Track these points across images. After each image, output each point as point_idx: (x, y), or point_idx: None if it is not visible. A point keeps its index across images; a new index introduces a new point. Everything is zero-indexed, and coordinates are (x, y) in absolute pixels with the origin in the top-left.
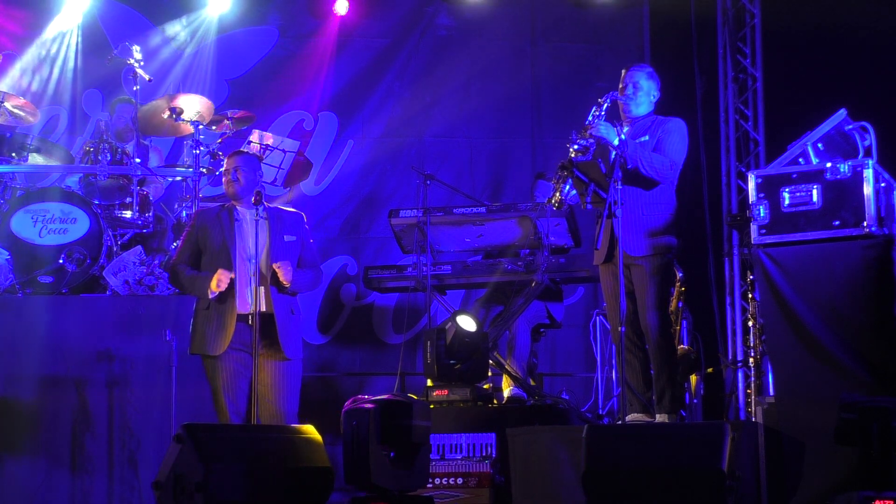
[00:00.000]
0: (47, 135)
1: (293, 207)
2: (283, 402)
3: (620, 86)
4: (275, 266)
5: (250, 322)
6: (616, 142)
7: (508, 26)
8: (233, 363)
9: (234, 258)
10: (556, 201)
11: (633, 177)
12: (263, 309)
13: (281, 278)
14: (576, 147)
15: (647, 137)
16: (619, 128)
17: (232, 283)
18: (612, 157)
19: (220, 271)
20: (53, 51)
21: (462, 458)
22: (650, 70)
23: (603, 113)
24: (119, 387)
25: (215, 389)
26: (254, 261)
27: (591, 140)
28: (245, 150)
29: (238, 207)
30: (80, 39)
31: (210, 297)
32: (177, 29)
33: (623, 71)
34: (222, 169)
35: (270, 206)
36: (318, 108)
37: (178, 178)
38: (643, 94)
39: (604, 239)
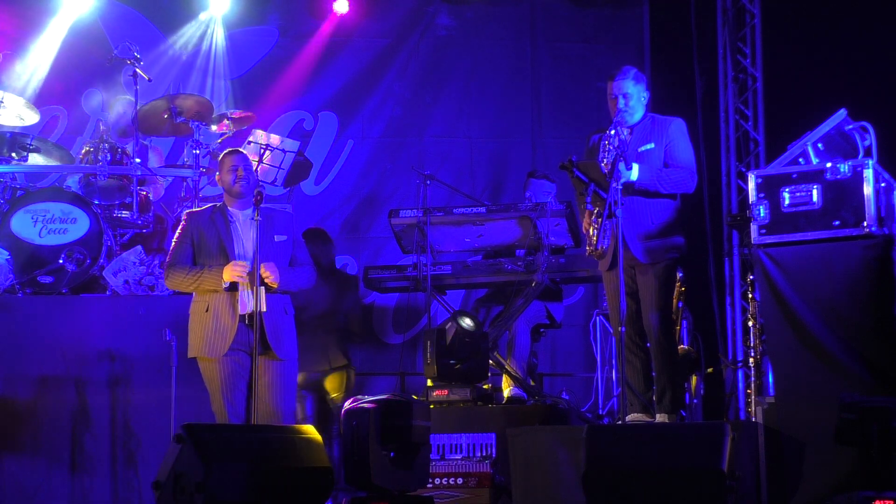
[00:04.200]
0: (47, 135)
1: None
2: (280, 402)
3: (611, 98)
4: (262, 269)
5: (247, 322)
6: (635, 178)
7: (508, 26)
8: (231, 364)
9: (233, 260)
10: (598, 254)
11: (652, 195)
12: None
13: (268, 281)
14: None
15: (652, 145)
16: (619, 128)
17: (231, 285)
18: (613, 156)
19: (233, 262)
20: (53, 51)
21: (462, 458)
22: (635, 72)
23: (612, 145)
24: (119, 387)
25: (213, 391)
26: (249, 262)
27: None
28: (241, 149)
29: (230, 208)
30: (80, 39)
31: (224, 287)
32: (177, 29)
33: (608, 82)
34: (225, 167)
35: (262, 206)
36: (318, 108)
37: (179, 178)
38: (635, 101)
39: (609, 246)
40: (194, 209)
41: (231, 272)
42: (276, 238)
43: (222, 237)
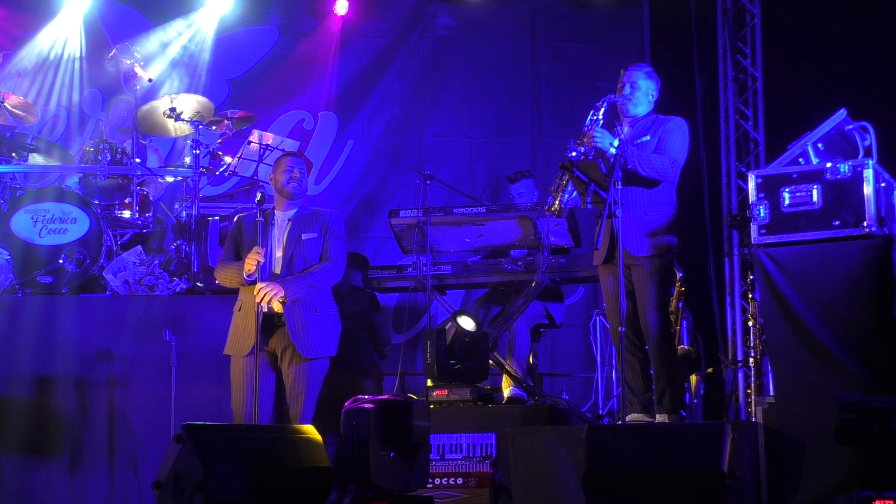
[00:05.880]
0: (47, 135)
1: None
2: (297, 406)
3: (618, 85)
4: (255, 292)
5: (277, 322)
6: (613, 150)
7: (508, 26)
8: (252, 364)
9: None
10: (555, 210)
11: (633, 177)
12: (279, 309)
13: (266, 302)
14: (573, 155)
15: (648, 137)
16: (619, 127)
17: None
18: (612, 157)
19: (251, 252)
20: (54, 51)
21: (462, 458)
22: (649, 69)
23: (600, 117)
24: (119, 387)
25: (233, 388)
26: (273, 259)
27: (590, 148)
28: (300, 153)
29: (276, 211)
30: (80, 40)
31: (246, 280)
32: (177, 29)
33: (621, 70)
34: (280, 167)
35: (305, 207)
36: (318, 108)
37: (179, 178)
38: (641, 94)
39: (604, 239)
40: (245, 213)
41: (247, 260)
42: (304, 236)
43: (259, 238)
